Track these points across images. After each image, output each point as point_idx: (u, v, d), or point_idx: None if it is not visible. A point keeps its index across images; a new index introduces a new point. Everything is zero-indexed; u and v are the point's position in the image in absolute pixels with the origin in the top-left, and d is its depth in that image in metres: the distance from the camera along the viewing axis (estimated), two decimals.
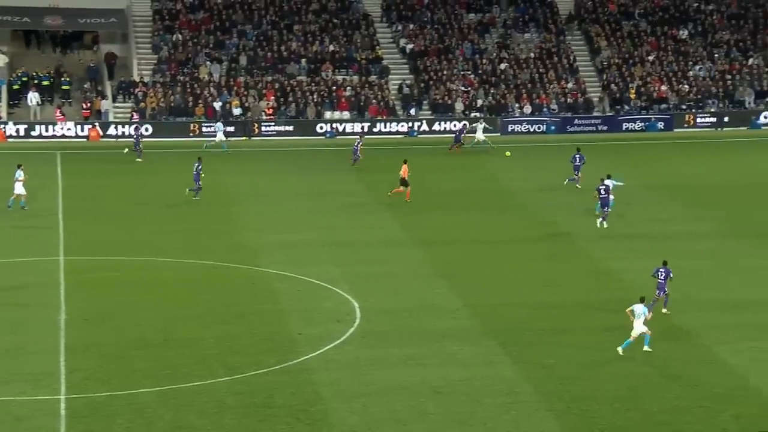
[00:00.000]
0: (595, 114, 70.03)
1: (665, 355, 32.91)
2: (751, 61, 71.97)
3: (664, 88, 70.79)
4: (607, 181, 46.74)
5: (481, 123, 63.58)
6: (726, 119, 68.36)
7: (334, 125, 68.55)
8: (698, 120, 68.49)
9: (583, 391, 30.39)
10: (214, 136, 64.44)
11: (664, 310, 36.09)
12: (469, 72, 72.40)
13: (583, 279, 40.18)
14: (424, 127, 68.70)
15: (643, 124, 68.45)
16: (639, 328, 32.75)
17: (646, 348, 32.87)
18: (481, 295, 38.38)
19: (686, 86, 70.92)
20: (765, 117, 68.31)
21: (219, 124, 65.06)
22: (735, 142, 64.25)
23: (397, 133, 68.61)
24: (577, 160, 53.19)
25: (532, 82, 71.86)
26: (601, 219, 46.42)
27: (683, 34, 74.10)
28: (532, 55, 73.36)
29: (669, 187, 53.11)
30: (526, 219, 48.56)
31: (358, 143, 58.79)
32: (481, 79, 72.00)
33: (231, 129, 67.69)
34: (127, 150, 61.33)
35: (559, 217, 48.57)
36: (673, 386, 30.75)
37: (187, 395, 29.68)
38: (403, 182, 50.66)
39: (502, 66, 72.65)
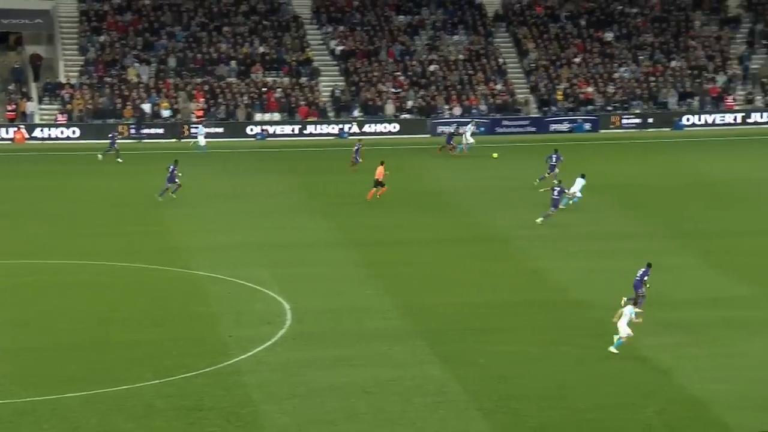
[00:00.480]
0: (523, 115, 70.78)
1: (593, 354, 33.45)
2: (673, 63, 73.20)
3: (590, 89, 71.75)
4: (579, 180, 48.08)
5: (471, 125, 63.46)
6: (650, 120, 69.49)
7: (264, 127, 68.56)
8: (624, 121, 69.52)
9: (512, 390, 30.80)
10: (142, 138, 64.16)
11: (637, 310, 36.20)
12: (399, 74, 72.81)
13: (514, 279, 40.69)
14: (355, 128, 68.97)
15: (570, 125, 69.32)
16: (624, 328, 33.11)
17: (613, 349, 33.17)
18: (412, 295, 38.70)
19: (612, 88, 71.96)
20: (687, 119, 69.49)
21: (201, 128, 65.27)
22: (659, 142, 65.30)
23: (328, 135, 68.80)
24: (553, 160, 54.25)
25: (461, 83, 72.45)
26: (543, 217, 47.21)
27: (608, 36, 75.18)
28: (461, 56, 73.96)
29: (597, 187, 53.79)
30: (458, 219, 49.03)
31: (358, 146, 58.03)
32: (411, 80, 72.44)
33: (161, 131, 67.45)
34: (101, 156, 60.84)
35: (491, 217, 49.09)
36: (600, 384, 31.26)
37: (115, 399, 29.61)
38: (378, 183, 51.12)
39: (432, 68, 73.17)
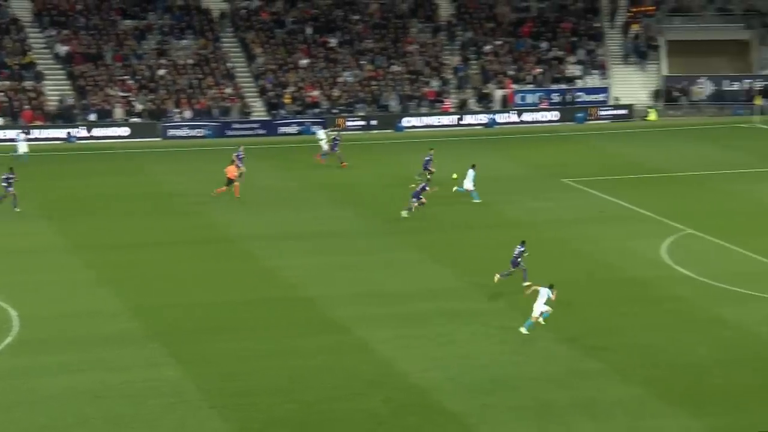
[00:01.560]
0: (252, 118, 71.59)
1: (321, 347, 34.62)
2: (393, 68, 75.85)
3: (316, 93, 73.37)
4: (470, 171, 51.11)
5: (324, 131, 62.36)
6: (374, 122, 71.70)
7: None
8: (348, 123, 71.45)
9: (244, 386, 31.55)
10: None
11: (525, 284, 38.69)
12: (128, 77, 72.26)
13: (246, 278, 41.26)
14: (84, 132, 67.96)
15: (298, 128, 70.67)
16: (540, 307, 35.30)
17: (541, 320, 35.52)
18: (144, 297, 38.81)
19: (337, 92, 73.83)
20: (408, 121, 72.07)
21: (19, 134, 62.58)
22: (382, 143, 67.46)
23: (55, 139, 67.54)
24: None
25: (191, 87, 72.61)
26: (407, 209, 48.93)
27: (332, 42, 77.04)
28: (190, 61, 74.10)
29: (324, 187, 55.20)
30: (190, 221, 49.17)
31: (239, 153, 56.62)
32: (139, 84, 72.03)
33: None
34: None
35: (223, 218, 49.43)
36: (329, 377, 32.42)
37: None
38: (229, 181, 51.55)
39: (161, 72, 72.98)
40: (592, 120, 73.25)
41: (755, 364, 33.65)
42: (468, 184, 52.08)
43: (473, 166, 52.29)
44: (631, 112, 74.07)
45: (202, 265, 42.81)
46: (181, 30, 75.91)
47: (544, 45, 78.12)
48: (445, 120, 72.55)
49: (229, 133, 69.76)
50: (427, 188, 49.34)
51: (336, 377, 32.41)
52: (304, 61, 75.06)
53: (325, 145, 59.98)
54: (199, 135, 69.31)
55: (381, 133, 70.65)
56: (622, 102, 74.68)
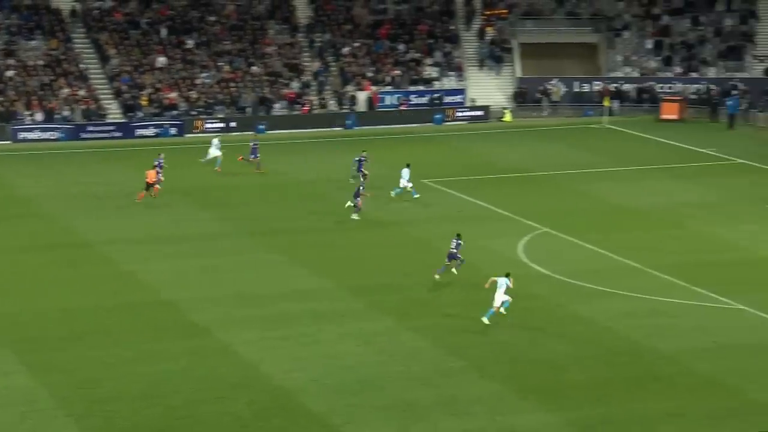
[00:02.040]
0: (108, 121, 70.49)
1: (184, 351, 34.42)
2: (252, 69, 75.60)
3: (174, 95, 72.67)
4: (405, 170, 52.14)
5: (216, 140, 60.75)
6: (233, 124, 71.33)
7: None
8: (207, 125, 70.91)
9: (105, 393, 31.19)
10: None
11: (453, 270, 41.20)
12: None
13: (105, 283, 40.75)
14: None
15: (156, 130, 69.87)
16: (500, 297, 36.42)
17: (502, 310, 36.86)
18: None
19: (195, 93, 73.25)
20: (267, 123, 71.86)
21: None
22: (242, 145, 67.01)
23: None
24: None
25: (42, 88, 71.15)
26: (353, 207, 49.19)
27: (189, 43, 76.39)
28: (40, 62, 72.60)
29: (187, 190, 54.69)
30: (44, 227, 48.28)
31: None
32: None
33: None
34: None
35: (79, 223, 48.69)
36: (192, 380, 32.30)
37: None
38: (148, 186, 51.12)
39: (9, 73, 71.34)
40: (450, 121, 74.23)
41: (609, 358, 34.63)
42: (404, 182, 52.57)
43: (408, 165, 52.85)
44: (488, 113, 75.29)
45: (59, 271, 42.10)
46: (29, 30, 74.26)
47: (401, 47, 78.86)
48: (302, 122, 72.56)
49: (84, 135, 68.54)
50: (362, 189, 49.47)
51: (199, 381, 32.29)
52: (161, 59, 74.21)
53: (216, 152, 58.83)
54: (52, 138, 67.92)
55: (241, 135, 70.29)
56: (479, 103, 75.85)
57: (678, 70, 77.83)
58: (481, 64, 78.56)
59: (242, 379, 32.51)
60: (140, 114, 71.41)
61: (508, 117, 74.99)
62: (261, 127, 71.09)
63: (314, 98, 74.57)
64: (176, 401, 30.90)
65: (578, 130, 71.63)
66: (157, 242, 46.28)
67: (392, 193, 52.67)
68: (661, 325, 37.29)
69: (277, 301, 39.29)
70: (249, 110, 72.79)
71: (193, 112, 72.07)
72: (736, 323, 37.63)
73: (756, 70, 77.00)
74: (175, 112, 71.87)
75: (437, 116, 74.14)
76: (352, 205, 49.27)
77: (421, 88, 76.45)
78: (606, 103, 73.50)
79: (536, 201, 52.87)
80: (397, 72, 76.83)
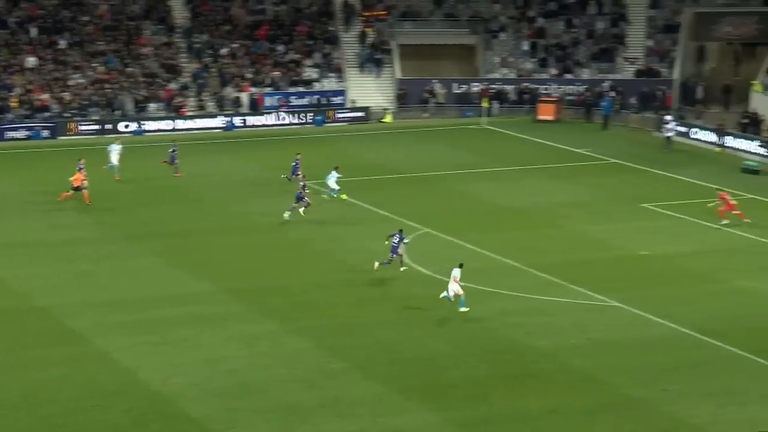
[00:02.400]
0: None
1: (58, 358, 33.68)
2: (128, 69, 74.39)
3: (46, 96, 71.13)
4: (334, 173, 51.79)
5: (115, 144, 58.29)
6: (108, 126, 70.07)
7: None
8: (81, 127, 69.56)
9: None
10: None
11: (402, 269, 41.55)
12: None
13: None
14: None
15: (27, 132, 68.30)
16: (453, 287, 37.72)
17: (451, 297, 37.82)
18: None
19: (68, 95, 71.80)
20: (147, 124, 70.79)
21: None
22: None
23: None
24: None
25: None
26: (299, 208, 48.81)
27: (62, 43, 74.85)
28: None
29: (57, 194, 53.58)
30: None
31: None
32: None
33: None
34: None
35: None
36: (67, 388, 31.62)
37: None
38: (76, 188, 50.12)
39: None
40: (330, 123, 74.12)
41: (489, 356, 34.89)
42: (331, 182, 52.36)
43: (336, 168, 52.66)
44: (368, 114, 75.39)
45: None
46: None
47: (281, 48, 78.47)
48: (185, 124, 71.66)
49: None
50: (307, 190, 49.33)
51: (75, 389, 31.65)
52: (31, 59, 72.56)
53: (114, 159, 57.07)
54: None
55: (117, 137, 69.04)
56: (359, 105, 75.89)
57: (553, 71, 79.00)
58: (361, 64, 78.63)
59: (120, 385, 31.93)
60: (10, 116, 69.72)
61: (388, 118, 75.19)
62: (139, 129, 69.97)
63: (192, 99, 73.78)
64: (52, 410, 30.23)
65: (457, 131, 72.16)
66: (31, 247, 45.27)
67: (325, 195, 52.21)
68: (539, 324, 37.70)
69: (156, 305, 38.72)
70: (118, 113, 71.48)
71: (67, 114, 70.63)
72: (611, 320, 38.25)
73: (627, 72, 78.56)
74: (47, 114, 70.33)
75: (318, 117, 73.99)
76: (295, 209, 48.89)
77: (301, 89, 76.22)
78: (485, 104, 74.20)
79: (417, 202, 53.05)
80: (277, 73, 76.44)
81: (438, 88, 76.88)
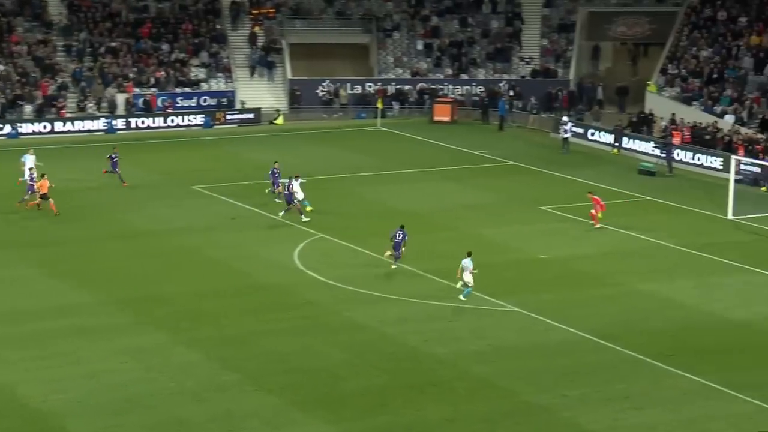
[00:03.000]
0: None
1: None
2: (0, 68, 71.72)
3: None
4: (300, 180, 49.74)
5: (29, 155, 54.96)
6: None
7: None
8: None
9: None
10: None
11: (393, 266, 42.33)
12: None
13: None
14: None
15: None
16: (467, 278, 38.37)
17: (462, 297, 38.70)
18: None
19: None
20: (20, 126, 68.19)
21: None
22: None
23: None
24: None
25: None
26: (282, 212, 48.52)
27: None
28: None
29: None
30: None
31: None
32: None
33: None
34: None
35: None
36: None
37: None
38: (43, 196, 48.58)
39: None
40: (220, 124, 72.55)
41: (387, 365, 34.07)
42: (298, 192, 49.86)
43: (297, 176, 50.28)
44: (259, 116, 73.98)
45: None
46: None
47: (165, 47, 76.55)
48: (60, 126, 69.32)
49: None
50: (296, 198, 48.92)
51: None
52: None
53: (26, 173, 52.98)
54: None
55: None
56: (249, 106, 74.45)
57: (449, 71, 78.44)
58: (251, 64, 77.16)
59: None
60: None
61: (280, 120, 73.87)
62: (13, 132, 67.56)
63: (72, 100, 71.42)
64: None
65: (352, 133, 71.30)
66: None
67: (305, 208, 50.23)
68: (438, 330, 37.00)
69: (34, 318, 37.13)
70: None
71: None
72: (510, 325, 37.76)
73: (524, 72, 78.37)
74: None
75: (205, 119, 72.32)
76: (287, 210, 48.78)
77: (188, 90, 74.46)
78: (379, 105, 73.33)
79: (312, 206, 51.86)
80: (162, 73, 74.50)
81: (341, 89, 75.81)
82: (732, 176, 53.45)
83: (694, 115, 66.21)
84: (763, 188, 56.56)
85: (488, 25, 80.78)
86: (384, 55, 79.24)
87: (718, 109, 66.34)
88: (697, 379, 33.12)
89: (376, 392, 31.97)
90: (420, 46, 79.75)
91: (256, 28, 78.90)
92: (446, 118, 74.04)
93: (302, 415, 30.34)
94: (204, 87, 75.05)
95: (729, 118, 64.90)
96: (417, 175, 60.07)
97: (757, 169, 57.61)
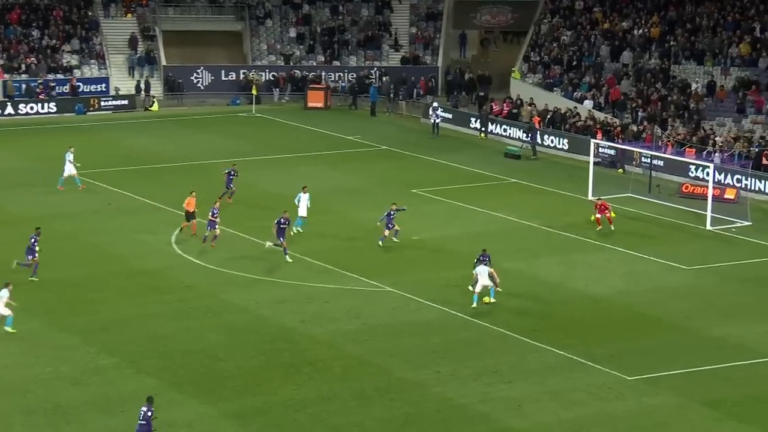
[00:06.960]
0: None
1: None
2: None
3: None
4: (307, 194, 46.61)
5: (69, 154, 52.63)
6: None
7: None
8: None
9: None
10: None
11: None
12: None
13: None
14: None
15: None
16: (484, 281, 37.93)
17: (492, 299, 38.23)
18: None
19: None
20: None
21: None
22: None
23: None
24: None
25: None
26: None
27: None
28: None
29: None
30: None
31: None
32: None
33: None
34: None
35: None
36: None
37: None
38: (190, 215, 44.62)
39: None
40: (94, 111, 71.97)
41: (264, 346, 34.64)
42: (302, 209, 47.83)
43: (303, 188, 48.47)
44: (134, 102, 73.58)
45: None
46: None
47: (36, 33, 75.57)
48: None
49: None
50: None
51: None
52: None
53: (71, 168, 52.17)
54: None
55: None
56: (123, 93, 73.98)
57: (321, 58, 79.08)
58: (125, 50, 76.63)
59: None
60: None
61: (155, 107, 73.64)
62: None
63: None
64: None
65: (227, 119, 71.37)
66: None
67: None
68: (314, 311, 37.68)
69: None
70: None
71: None
72: (384, 305, 38.59)
73: (394, 59, 79.43)
74: None
75: (78, 106, 71.68)
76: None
77: (60, 76, 73.66)
78: (254, 91, 73.59)
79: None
80: (33, 59, 73.55)
81: (255, 75, 75.55)
82: (591, 159, 55.22)
83: (555, 100, 68.07)
84: (620, 170, 58.47)
85: (358, 14, 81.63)
86: (257, 43, 79.50)
87: (578, 94, 68.28)
88: (561, 352, 34.51)
89: (254, 372, 32.53)
90: (293, 33, 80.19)
91: (129, 15, 78.40)
92: (319, 105, 74.68)
93: (180, 396, 30.68)
94: (77, 73, 74.34)
95: (588, 104, 66.91)
96: (293, 159, 60.54)
97: (613, 152, 59.47)
